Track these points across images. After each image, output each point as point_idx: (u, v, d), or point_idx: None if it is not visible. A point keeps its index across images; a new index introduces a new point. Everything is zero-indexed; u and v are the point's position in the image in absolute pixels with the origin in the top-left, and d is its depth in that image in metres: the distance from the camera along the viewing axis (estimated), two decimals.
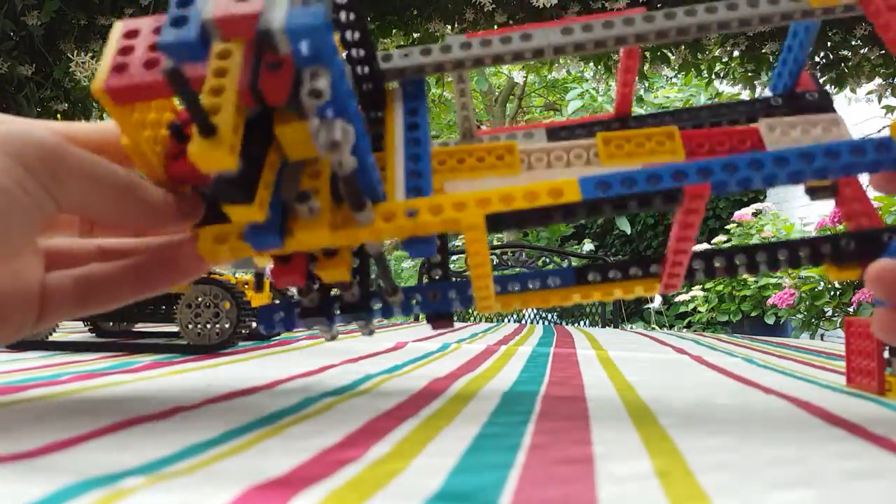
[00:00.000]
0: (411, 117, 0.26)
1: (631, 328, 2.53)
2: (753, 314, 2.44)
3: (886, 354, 0.30)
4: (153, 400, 0.25)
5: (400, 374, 0.35)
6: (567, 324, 1.87)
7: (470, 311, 1.05)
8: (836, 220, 1.80)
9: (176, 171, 0.22)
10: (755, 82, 1.80)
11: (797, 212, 2.97)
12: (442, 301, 0.26)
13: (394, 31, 1.64)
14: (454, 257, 1.68)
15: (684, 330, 2.67)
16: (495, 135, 0.30)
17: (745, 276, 2.37)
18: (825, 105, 0.30)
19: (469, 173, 0.26)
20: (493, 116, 4.81)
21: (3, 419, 0.21)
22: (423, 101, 0.27)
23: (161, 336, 0.56)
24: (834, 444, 0.20)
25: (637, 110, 2.34)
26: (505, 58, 0.27)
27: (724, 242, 2.60)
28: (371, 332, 0.28)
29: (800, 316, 1.97)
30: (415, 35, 1.64)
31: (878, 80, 1.77)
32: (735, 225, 2.59)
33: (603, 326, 1.68)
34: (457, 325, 0.89)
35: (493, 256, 1.57)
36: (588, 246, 4.05)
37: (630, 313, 3.42)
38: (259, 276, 0.23)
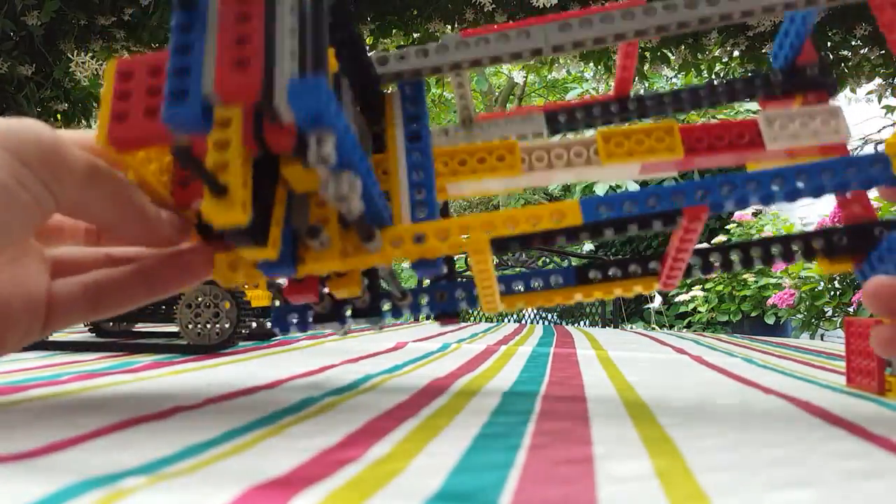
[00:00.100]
0: (412, 124, 0.26)
1: (631, 328, 2.53)
2: (753, 314, 2.43)
3: None
4: (153, 400, 0.25)
5: (400, 374, 0.35)
6: (567, 324, 1.87)
7: (471, 310, 1.06)
8: (836, 220, 1.80)
9: (184, 199, 0.23)
10: None
11: (797, 212, 2.97)
12: (449, 301, 0.27)
13: (394, 31, 1.64)
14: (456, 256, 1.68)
15: (684, 330, 2.67)
16: (494, 119, 0.30)
17: (741, 271, 2.37)
18: (824, 82, 0.30)
19: (471, 175, 0.27)
20: None
21: (3, 419, 0.21)
22: (423, 105, 0.26)
23: (161, 336, 0.56)
24: (834, 444, 0.20)
25: None
26: (503, 57, 0.27)
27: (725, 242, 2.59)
28: (381, 328, 0.28)
29: (800, 316, 1.96)
30: (415, 35, 1.64)
31: (878, 80, 1.77)
32: (735, 225, 2.59)
33: (603, 326, 1.68)
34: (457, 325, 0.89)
35: (494, 257, 1.57)
36: (588, 246, 4.04)
37: (630, 313, 3.42)
38: (273, 287, 0.24)
